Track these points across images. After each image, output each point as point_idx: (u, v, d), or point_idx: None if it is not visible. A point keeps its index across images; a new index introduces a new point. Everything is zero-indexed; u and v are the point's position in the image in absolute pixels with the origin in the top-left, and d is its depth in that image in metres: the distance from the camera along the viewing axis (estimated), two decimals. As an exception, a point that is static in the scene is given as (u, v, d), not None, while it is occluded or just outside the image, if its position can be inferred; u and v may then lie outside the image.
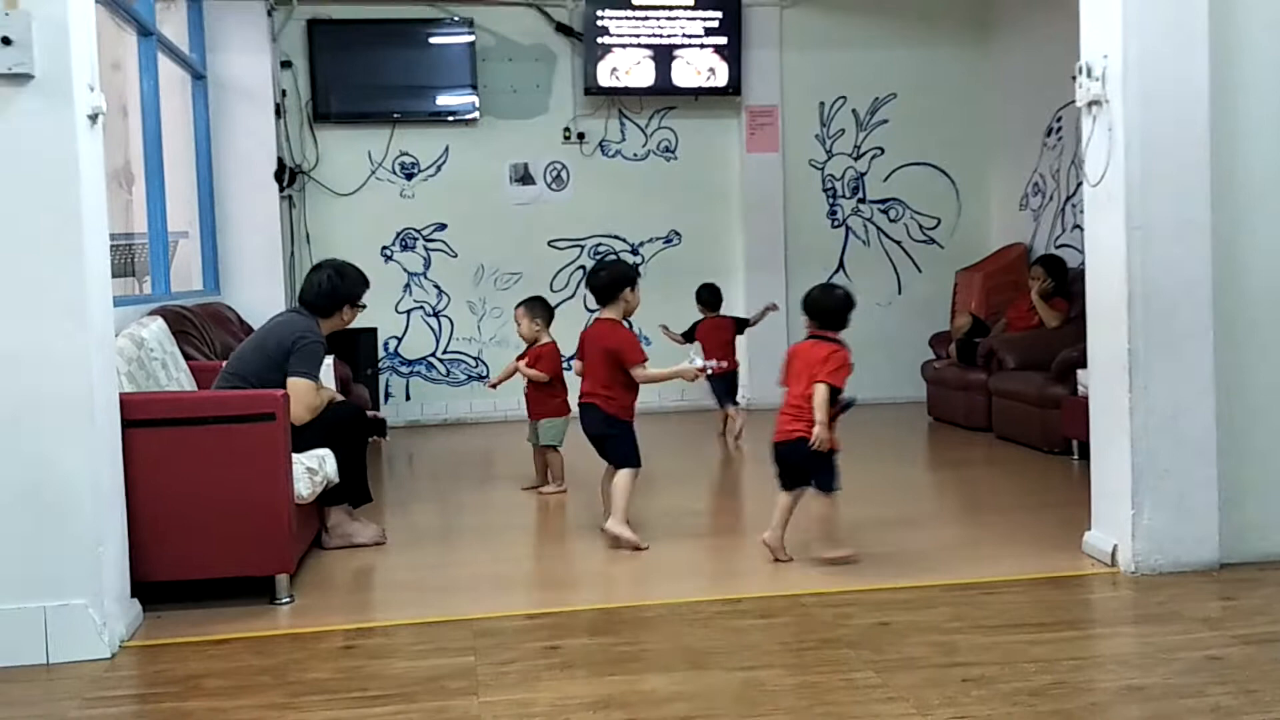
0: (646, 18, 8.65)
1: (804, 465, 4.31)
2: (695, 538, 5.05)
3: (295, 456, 4.22)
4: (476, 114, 8.60)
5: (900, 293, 9.18)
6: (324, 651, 3.54)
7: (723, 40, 8.73)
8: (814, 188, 9.18)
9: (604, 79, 8.64)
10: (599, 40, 8.61)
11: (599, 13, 8.58)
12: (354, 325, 5.12)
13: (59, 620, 3.49)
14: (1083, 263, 4.51)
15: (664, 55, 8.68)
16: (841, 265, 9.17)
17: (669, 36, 8.68)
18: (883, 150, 9.23)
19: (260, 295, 7.77)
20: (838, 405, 4.26)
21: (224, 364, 4.85)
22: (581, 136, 8.85)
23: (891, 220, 9.29)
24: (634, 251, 8.96)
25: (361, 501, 4.92)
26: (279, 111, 8.24)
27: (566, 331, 6.28)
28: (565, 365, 5.86)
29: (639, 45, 8.64)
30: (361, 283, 4.92)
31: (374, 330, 8.15)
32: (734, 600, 3.94)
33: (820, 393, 4.21)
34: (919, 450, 7.33)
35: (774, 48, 8.97)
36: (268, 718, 3.03)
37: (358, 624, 3.83)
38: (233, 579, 4.05)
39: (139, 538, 3.82)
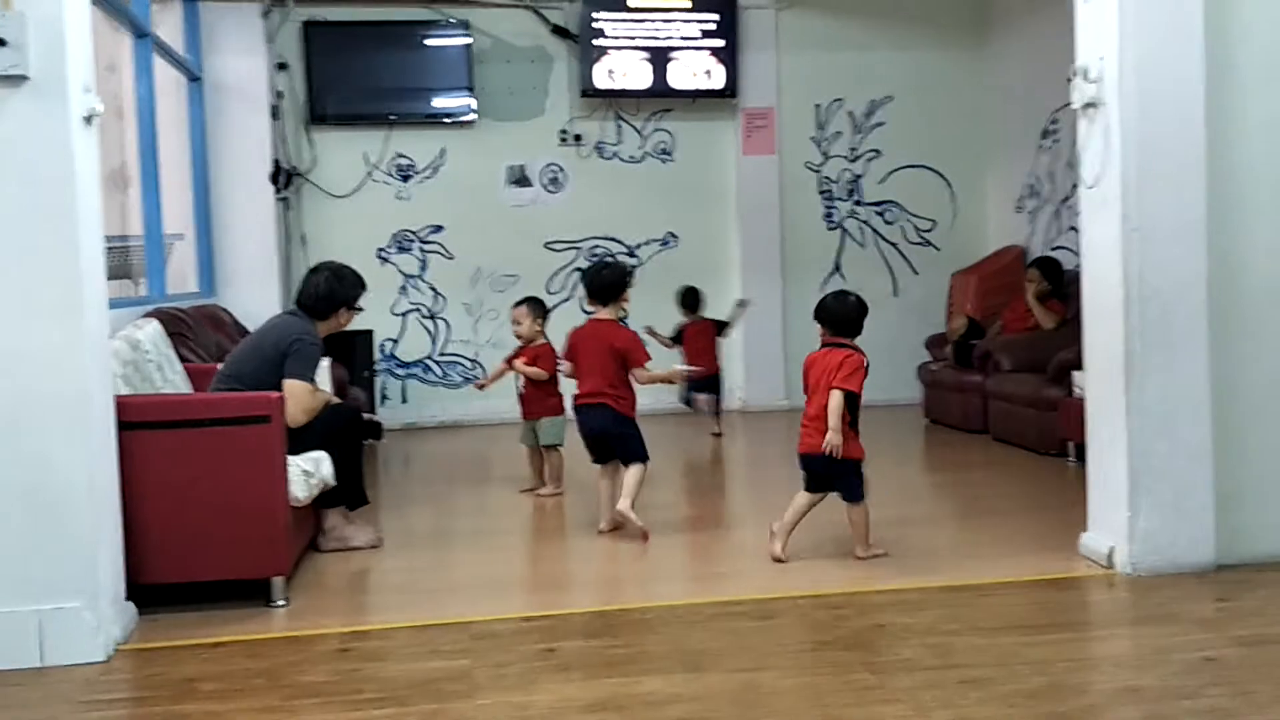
0: (643, 20, 8.65)
1: (828, 474, 4.35)
2: (693, 539, 5.04)
3: (291, 459, 4.21)
4: (473, 116, 8.60)
5: (896, 295, 9.18)
6: (320, 654, 3.54)
7: (719, 42, 8.74)
8: (810, 190, 9.18)
9: (600, 81, 8.64)
10: (595, 42, 8.61)
11: (595, 15, 8.58)
12: (350, 327, 5.11)
13: (53, 623, 3.47)
14: (1078, 265, 4.51)
15: (660, 57, 8.69)
16: (838, 267, 9.18)
17: (665, 39, 8.68)
18: (879, 152, 9.23)
19: (256, 297, 7.77)
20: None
21: (220, 366, 4.84)
22: (578, 138, 8.85)
23: (887, 222, 9.29)
24: (631, 253, 8.95)
25: (358, 504, 4.91)
26: (275, 113, 8.24)
27: (562, 334, 6.27)
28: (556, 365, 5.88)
29: (635, 47, 8.65)
30: (359, 285, 4.92)
31: (370, 332, 8.13)
32: (731, 602, 3.94)
33: (835, 399, 4.23)
34: (915, 452, 7.33)
35: (770, 50, 8.98)
36: (263, 721, 3.02)
37: (354, 627, 3.83)
38: (228, 582, 4.04)
39: (134, 540, 3.81)
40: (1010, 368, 7.11)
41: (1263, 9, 4.18)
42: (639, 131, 8.97)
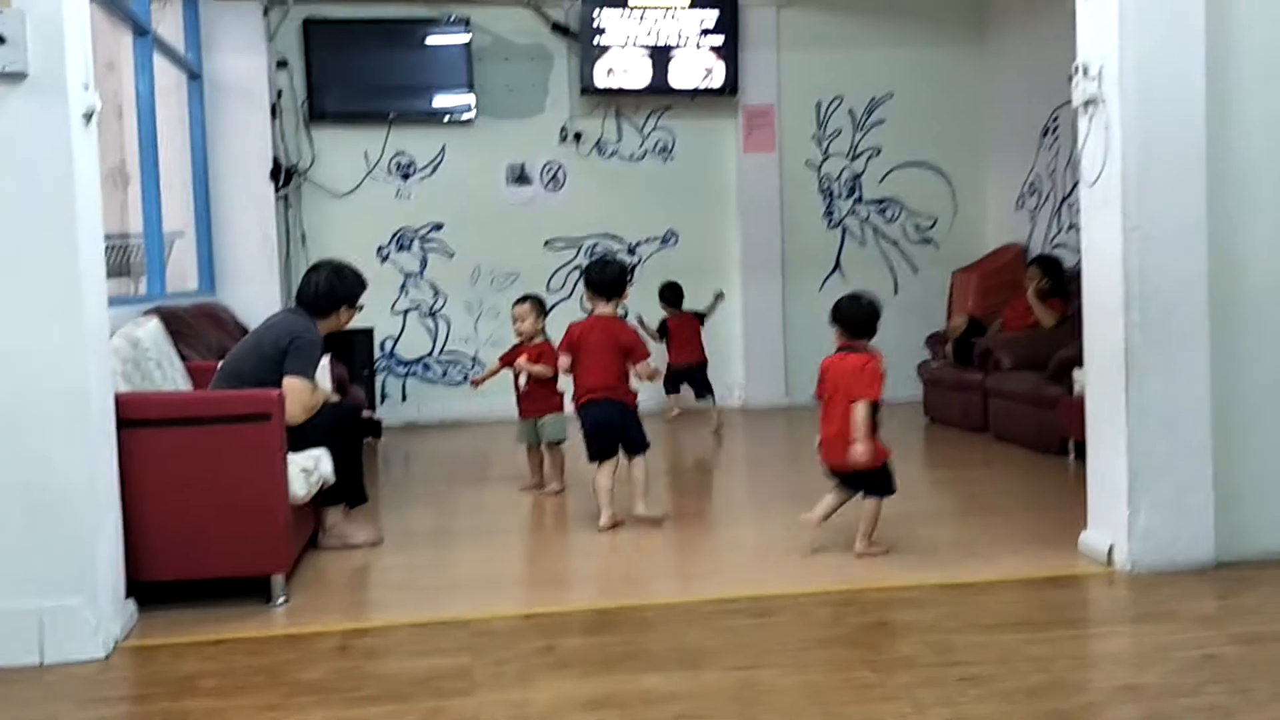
0: (643, 17, 8.64)
1: (857, 478, 4.39)
2: (691, 537, 5.04)
3: (291, 456, 4.21)
4: (473, 114, 8.59)
5: (896, 293, 9.17)
6: (320, 652, 3.54)
7: (719, 40, 8.73)
8: (810, 188, 9.18)
9: (600, 79, 8.64)
10: (595, 40, 8.60)
11: (595, 12, 8.57)
12: (350, 325, 5.11)
13: (53, 620, 3.48)
14: (1079, 263, 4.51)
15: (660, 55, 8.68)
16: (838, 265, 9.17)
17: (665, 36, 8.68)
18: (879, 150, 9.23)
19: (256, 295, 7.77)
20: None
21: (220, 364, 4.84)
22: (578, 136, 8.84)
23: (888, 220, 9.29)
24: (630, 251, 8.95)
25: (358, 502, 4.91)
26: (275, 111, 8.24)
27: (557, 333, 6.27)
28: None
29: (635, 45, 8.64)
30: (359, 284, 4.92)
31: (370, 330, 8.13)
32: (730, 599, 3.94)
33: (860, 412, 4.25)
34: (915, 450, 7.32)
35: (771, 48, 8.97)
36: (263, 718, 3.02)
37: (353, 624, 3.83)
38: (228, 579, 4.04)
39: (134, 538, 3.81)
40: (1010, 366, 7.11)
41: (1263, 7, 4.18)
42: (639, 129, 8.96)
